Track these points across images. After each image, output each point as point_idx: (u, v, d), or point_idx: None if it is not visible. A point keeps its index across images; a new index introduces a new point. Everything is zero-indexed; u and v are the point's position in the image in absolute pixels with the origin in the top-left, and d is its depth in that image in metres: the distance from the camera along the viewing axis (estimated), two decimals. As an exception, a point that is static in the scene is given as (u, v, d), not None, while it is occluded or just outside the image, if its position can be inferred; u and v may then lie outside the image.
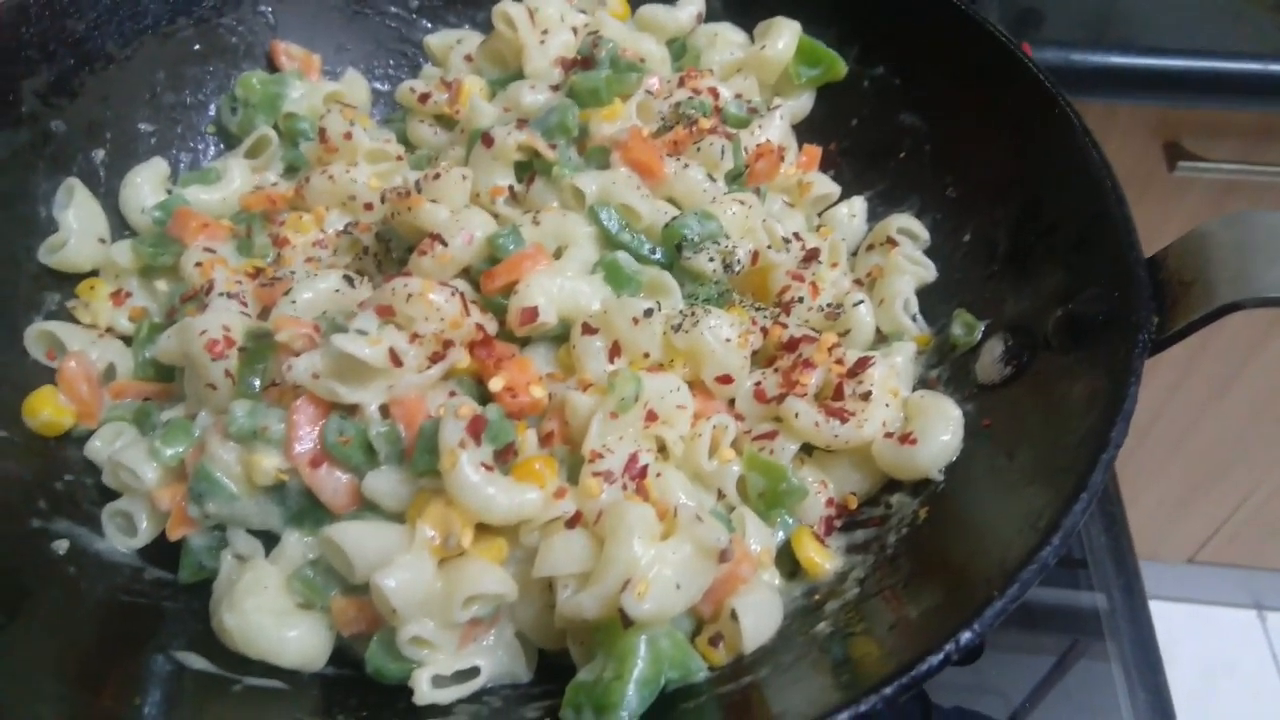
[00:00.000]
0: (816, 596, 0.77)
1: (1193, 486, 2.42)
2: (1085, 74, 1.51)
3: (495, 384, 0.79)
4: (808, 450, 0.86)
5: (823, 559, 0.79)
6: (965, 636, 0.56)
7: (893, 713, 0.57)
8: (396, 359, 0.77)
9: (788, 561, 0.82)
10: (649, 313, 0.82)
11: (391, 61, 1.27)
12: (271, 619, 0.75)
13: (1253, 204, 1.72)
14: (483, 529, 0.75)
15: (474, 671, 0.75)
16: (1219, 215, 1.73)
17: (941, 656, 0.55)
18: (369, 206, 1.04)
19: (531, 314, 0.83)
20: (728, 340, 0.83)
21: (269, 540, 0.82)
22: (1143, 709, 1.04)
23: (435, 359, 0.80)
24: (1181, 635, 2.67)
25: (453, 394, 0.81)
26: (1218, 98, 1.53)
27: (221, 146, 1.17)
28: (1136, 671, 1.07)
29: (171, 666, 0.73)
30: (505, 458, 0.75)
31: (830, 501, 0.84)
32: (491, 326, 0.84)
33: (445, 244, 0.88)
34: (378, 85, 1.26)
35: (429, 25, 1.27)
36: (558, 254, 0.91)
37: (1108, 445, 0.64)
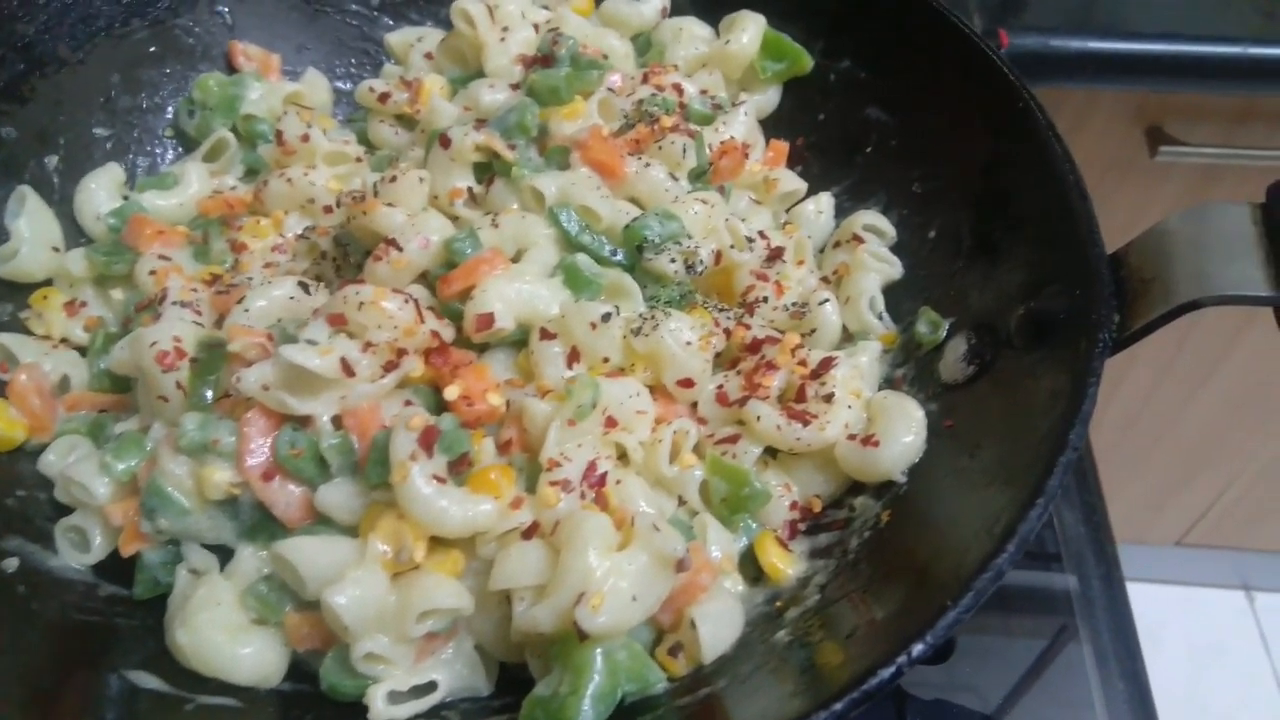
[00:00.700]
0: (779, 603, 0.76)
1: (1180, 471, 2.43)
2: (1066, 59, 1.50)
3: (450, 392, 0.78)
4: (771, 453, 0.85)
5: (785, 564, 0.78)
6: (917, 649, 0.55)
7: (866, 707, 0.56)
8: (349, 369, 0.76)
9: (751, 567, 0.81)
10: (607, 317, 0.81)
11: (354, 60, 1.25)
12: (225, 636, 0.74)
13: (1234, 188, 1.72)
14: (437, 541, 0.74)
15: (431, 686, 0.74)
16: (1201, 200, 1.73)
17: (893, 669, 0.54)
18: (328, 209, 1.03)
19: (488, 320, 0.81)
20: (689, 343, 0.82)
21: (225, 554, 0.81)
22: (1120, 697, 1.04)
23: (389, 368, 0.78)
24: (1170, 617, 2.68)
25: (408, 403, 0.79)
26: (1198, 81, 1.53)
27: (180, 150, 1.15)
28: (1115, 660, 1.06)
29: (125, 687, 0.72)
30: (460, 468, 0.74)
31: (794, 505, 0.83)
32: (448, 333, 0.83)
33: (400, 249, 0.86)
34: (340, 84, 1.24)
35: (391, 23, 1.25)
36: (517, 257, 0.90)
37: (1065, 448, 0.63)
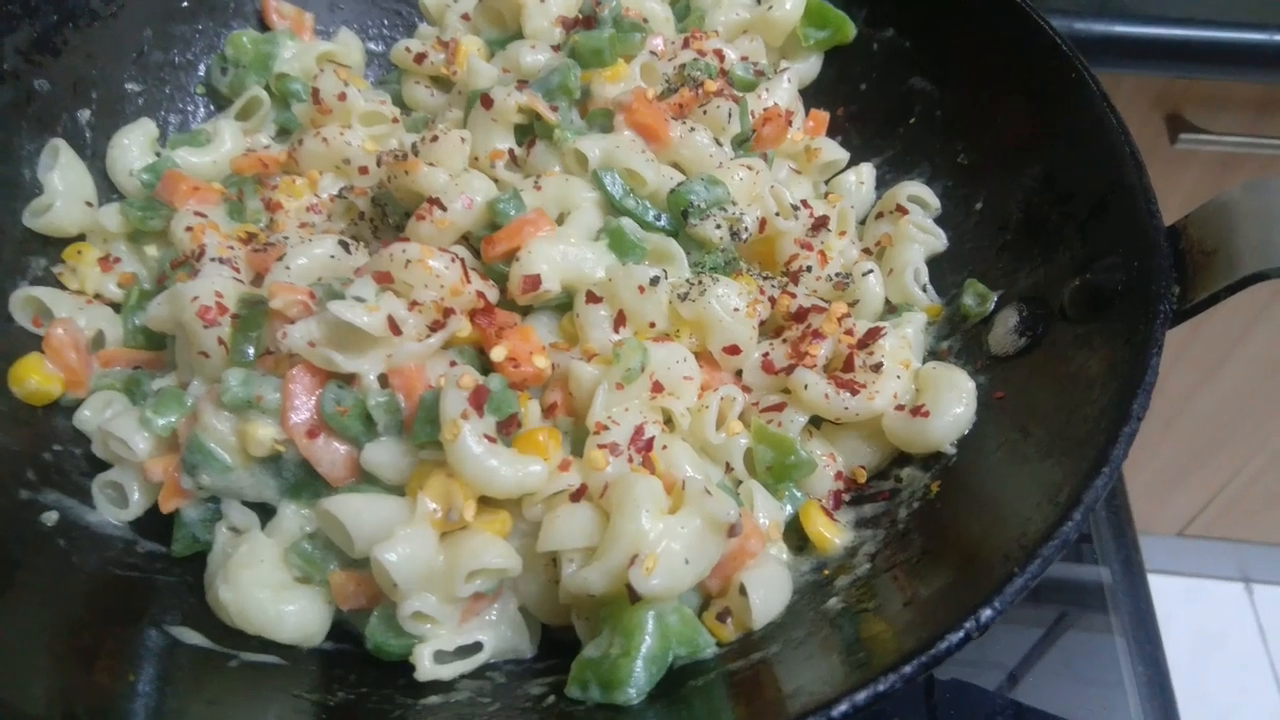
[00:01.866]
0: (826, 571, 0.75)
1: (1185, 462, 2.42)
2: (1089, 43, 1.48)
3: (497, 354, 0.77)
4: (816, 423, 0.85)
5: (832, 534, 0.78)
6: (986, 614, 0.55)
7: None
8: (395, 327, 0.75)
9: (795, 535, 0.80)
10: (655, 281, 0.80)
11: (386, 21, 1.23)
12: (268, 593, 0.73)
13: (1254, 177, 1.70)
14: (486, 502, 0.73)
15: (476, 647, 0.73)
16: (1221, 189, 1.71)
17: (961, 634, 0.54)
18: (364, 170, 1.01)
19: (534, 282, 0.80)
20: (736, 310, 0.81)
21: (264, 512, 0.80)
22: (1141, 681, 1.04)
23: (435, 327, 0.77)
24: (1172, 608, 2.69)
25: (453, 364, 0.79)
26: (1221, 68, 1.51)
27: (212, 108, 1.14)
28: (1135, 644, 1.06)
29: (166, 641, 0.72)
30: (508, 429, 0.73)
31: (839, 475, 0.83)
32: (493, 294, 0.82)
33: (444, 209, 0.85)
34: (372, 45, 1.22)
35: (425, -17, 1.23)
36: (560, 220, 0.88)
37: (1129, 417, 0.63)
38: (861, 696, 0.52)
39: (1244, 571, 2.85)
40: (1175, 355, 2.14)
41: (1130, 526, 1.19)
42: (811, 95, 1.12)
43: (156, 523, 0.82)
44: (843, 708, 0.51)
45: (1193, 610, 2.75)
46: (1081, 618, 1.12)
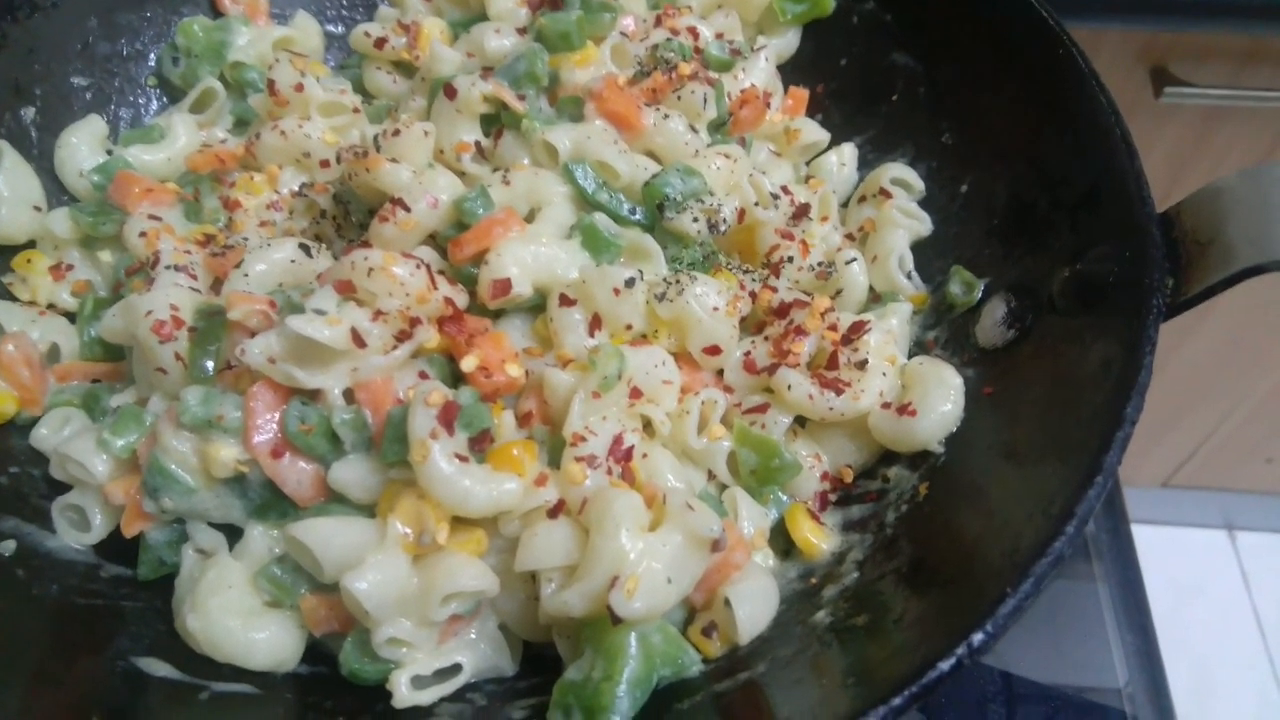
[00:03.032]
0: (813, 580, 0.73)
1: (1169, 413, 2.43)
2: (1073, -2, 1.44)
3: (468, 364, 0.74)
4: (800, 422, 0.82)
5: (819, 539, 0.76)
6: (978, 638, 0.53)
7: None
8: (359, 339, 0.72)
9: (781, 540, 0.78)
10: (631, 282, 0.77)
11: (344, 1, 1.18)
12: (238, 620, 0.71)
13: (1240, 129, 1.68)
14: (459, 520, 0.70)
15: (456, 668, 0.71)
16: (1205, 141, 1.66)
17: (953, 661, 0.52)
18: (325, 164, 0.97)
19: (504, 286, 0.77)
20: (715, 309, 0.78)
21: (232, 532, 0.77)
22: (1125, 629, 1.03)
23: (402, 338, 0.74)
24: (1155, 557, 2.70)
25: (422, 374, 0.75)
26: (1206, 20, 1.48)
27: (165, 100, 1.09)
28: (1119, 592, 1.05)
29: (133, 675, 0.69)
30: (481, 445, 0.70)
31: (825, 475, 0.80)
32: (461, 299, 0.78)
33: (408, 209, 0.81)
34: (330, 28, 1.17)
35: (384, -40, 1.17)
36: (530, 216, 0.85)
37: (1123, 422, 0.60)
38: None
39: (1227, 519, 2.88)
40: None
41: (1118, 491, 1.18)
42: (790, 72, 1.08)
43: (120, 545, 0.79)
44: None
45: (1176, 558, 2.77)
46: (1065, 567, 1.11)
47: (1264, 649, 2.67)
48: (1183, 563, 2.78)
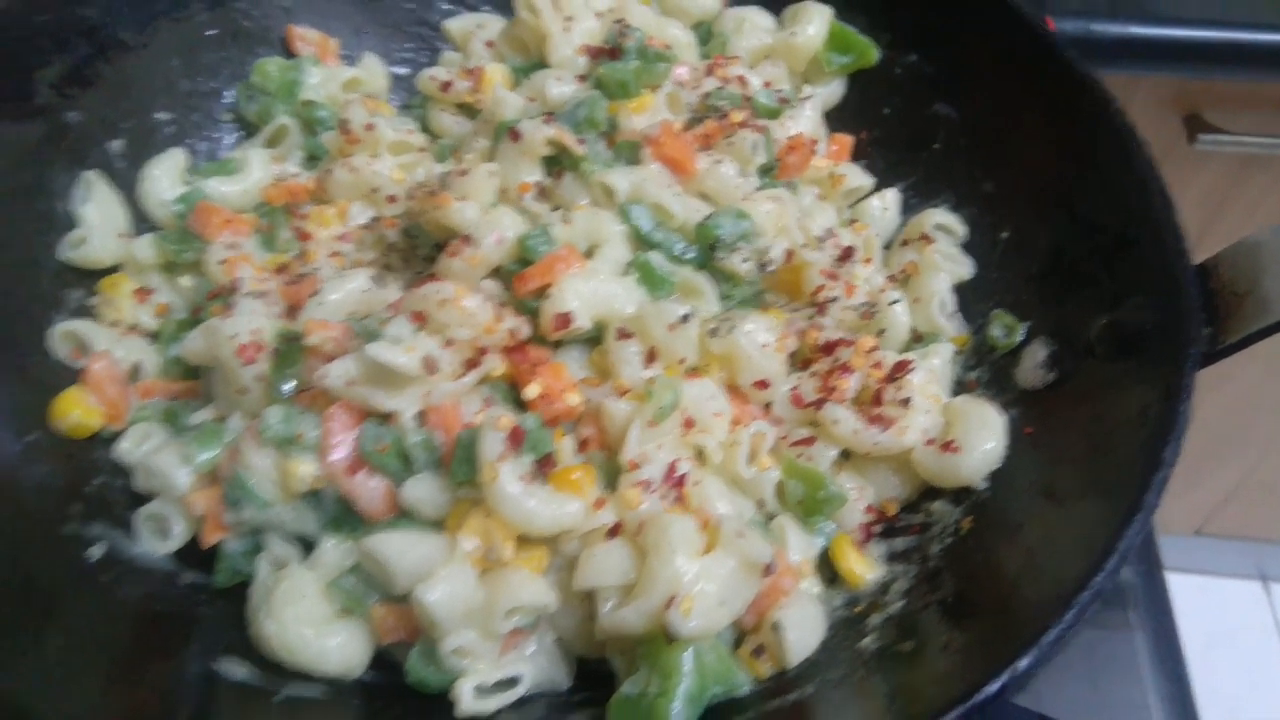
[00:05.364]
0: (858, 608, 0.76)
1: (1201, 458, 2.41)
2: (1106, 45, 1.47)
3: (531, 391, 0.78)
4: (845, 455, 0.86)
5: (863, 569, 0.79)
6: (1023, 663, 0.56)
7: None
8: (431, 366, 0.76)
9: (827, 568, 0.81)
10: (686, 318, 0.81)
11: (410, 45, 1.24)
12: (312, 629, 0.75)
13: (1275, 178, 1.70)
14: (523, 538, 0.74)
15: (514, 680, 0.75)
16: (1239, 189, 1.68)
17: (999, 685, 0.55)
18: (392, 199, 1.02)
19: (565, 320, 0.81)
20: (764, 345, 0.82)
21: (305, 544, 0.81)
22: (1159, 678, 1.04)
23: (470, 365, 0.79)
24: (1188, 606, 2.68)
25: (488, 400, 0.80)
26: (1240, 69, 1.51)
27: (240, 134, 1.15)
28: (1153, 641, 1.07)
29: (209, 677, 0.73)
30: (545, 468, 0.75)
31: (869, 508, 0.84)
32: (524, 330, 0.83)
33: (475, 245, 0.86)
34: (396, 69, 1.23)
35: (447, 7, 1.24)
36: (588, 253, 0.89)
37: (1161, 465, 0.64)
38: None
39: (1262, 569, 2.85)
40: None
41: (1152, 538, 1.19)
42: (834, 119, 1.13)
43: (197, 553, 0.84)
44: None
45: (1209, 607, 2.75)
46: (1099, 615, 1.12)
47: (1296, 699, 2.64)
48: (1217, 611, 2.76)
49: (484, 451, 0.71)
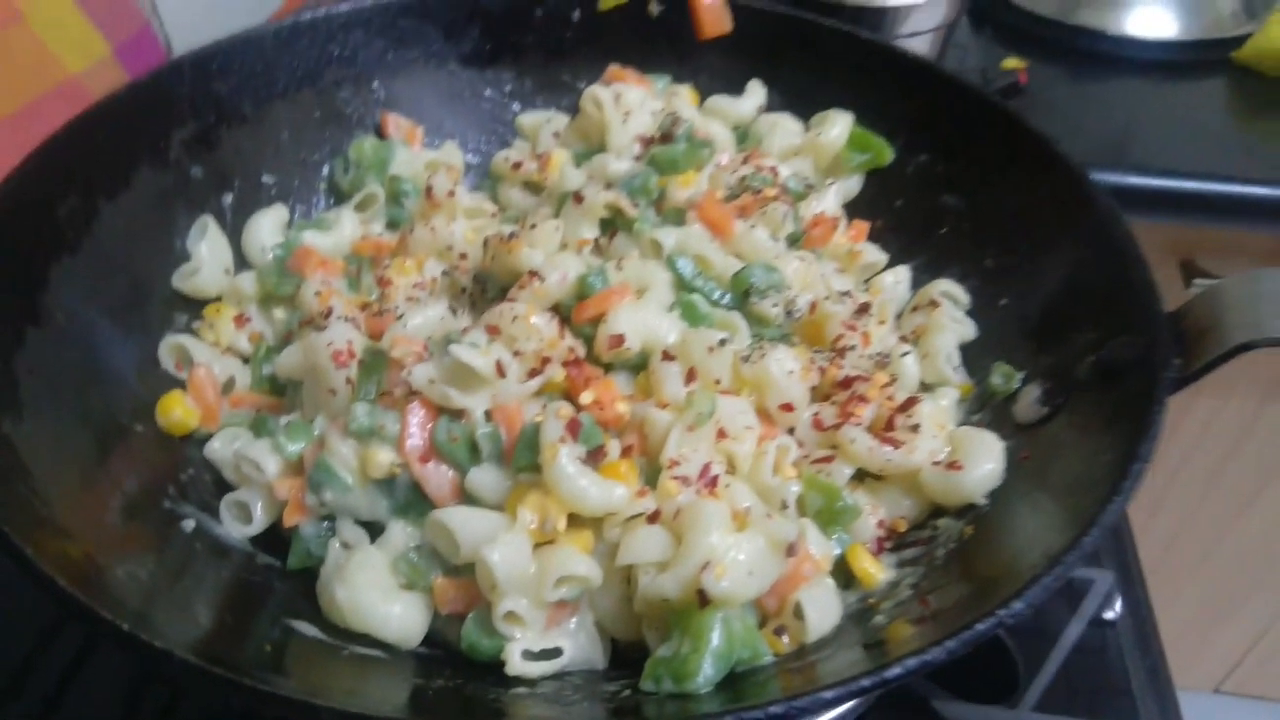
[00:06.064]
0: (871, 600, 0.84)
1: (1217, 608, 2.39)
2: (1105, 193, 1.60)
3: (586, 397, 0.89)
4: (859, 477, 0.95)
5: (876, 570, 0.87)
6: (1017, 605, 0.64)
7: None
8: (501, 370, 0.88)
9: (841, 575, 0.89)
10: (723, 342, 0.93)
11: (484, 137, 1.42)
12: (378, 594, 0.83)
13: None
14: (572, 520, 0.83)
15: (557, 652, 0.82)
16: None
17: (993, 622, 0.63)
18: (463, 256, 1.16)
19: (619, 340, 0.93)
20: (791, 372, 0.93)
21: (372, 532, 0.91)
22: None
23: (534, 374, 0.90)
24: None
25: (545, 406, 0.91)
26: (1232, 219, 1.60)
27: (331, 200, 1.31)
28: None
29: (285, 630, 0.81)
30: (596, 458, 0.85)
31: (881, 523, 0.92)
32: (581, 350, 0.95)
33: (542, 279, 0.99)
34: (469, 157, 1.41)
35: (518, 108, 1.43)
36: (638, 295, 1.02)
37: (1137, 458, 0.73)
38: (894, 672, 0.61)
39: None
40: (1204, 491, 2.17)
41: (1169, 684, 1.17)
42: (852, 209, 1.27)
43: (274, 540, 0.94)
44: (895, 671, 0.61)
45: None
46: None
47: None
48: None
49: (547, 434, 0.82)
